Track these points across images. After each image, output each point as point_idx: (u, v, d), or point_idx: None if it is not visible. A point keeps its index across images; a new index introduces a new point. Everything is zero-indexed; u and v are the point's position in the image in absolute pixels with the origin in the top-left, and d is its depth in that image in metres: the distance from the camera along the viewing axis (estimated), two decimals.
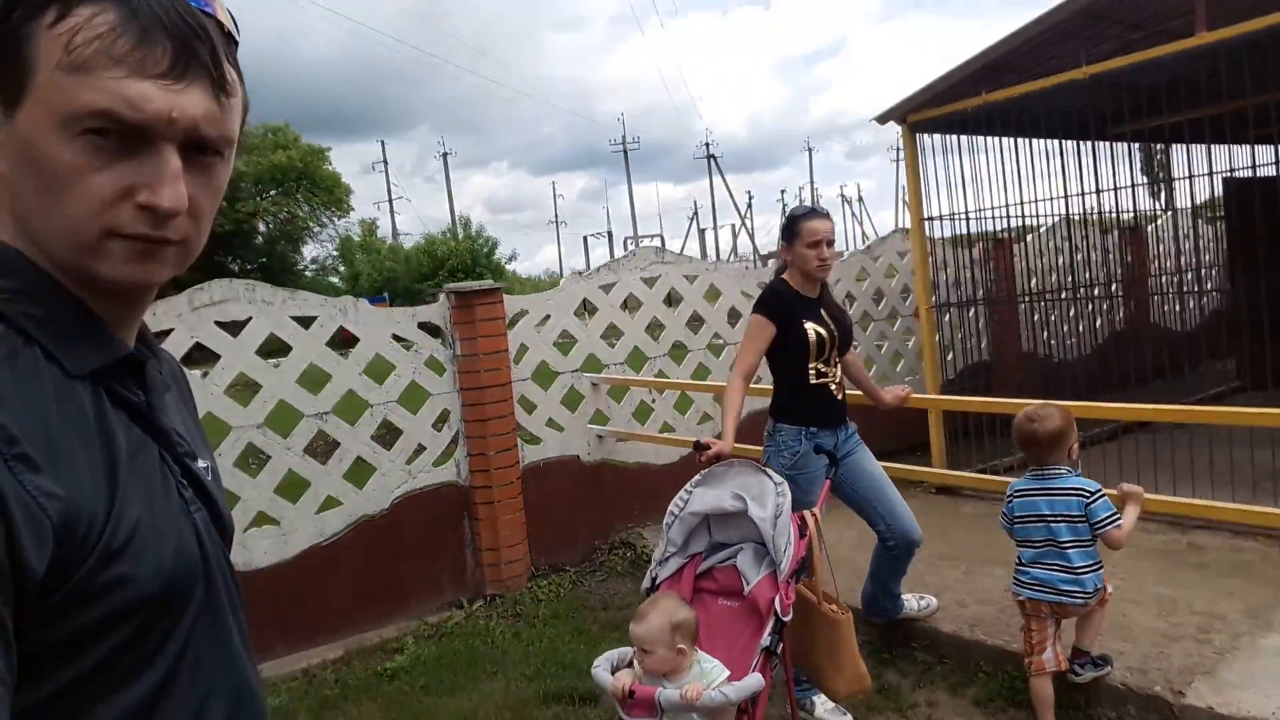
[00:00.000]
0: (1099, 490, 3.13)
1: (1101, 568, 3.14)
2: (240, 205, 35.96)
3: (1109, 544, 3.11)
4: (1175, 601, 3.81)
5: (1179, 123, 5.71)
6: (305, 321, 4.76)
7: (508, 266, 39.94)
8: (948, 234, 6.57)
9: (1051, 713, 3.15)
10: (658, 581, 2.95)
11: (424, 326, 5.23)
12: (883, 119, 6.27)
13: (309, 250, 44.12)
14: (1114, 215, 8.23)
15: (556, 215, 75.70)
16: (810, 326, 3.48)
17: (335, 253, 45.11)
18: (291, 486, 4.77)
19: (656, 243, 68.32)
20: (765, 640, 2.62)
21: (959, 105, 5.83)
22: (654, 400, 6.20)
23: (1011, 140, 6.56)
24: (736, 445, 3.40)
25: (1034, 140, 6.56)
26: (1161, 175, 10.70)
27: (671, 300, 6.28)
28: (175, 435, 0.93)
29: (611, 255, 71.54)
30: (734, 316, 6.56)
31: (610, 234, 75.37)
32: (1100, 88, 5.46)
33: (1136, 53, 4.96)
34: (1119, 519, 3.08)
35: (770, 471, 2.97)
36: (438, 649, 4.68)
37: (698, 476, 3.08)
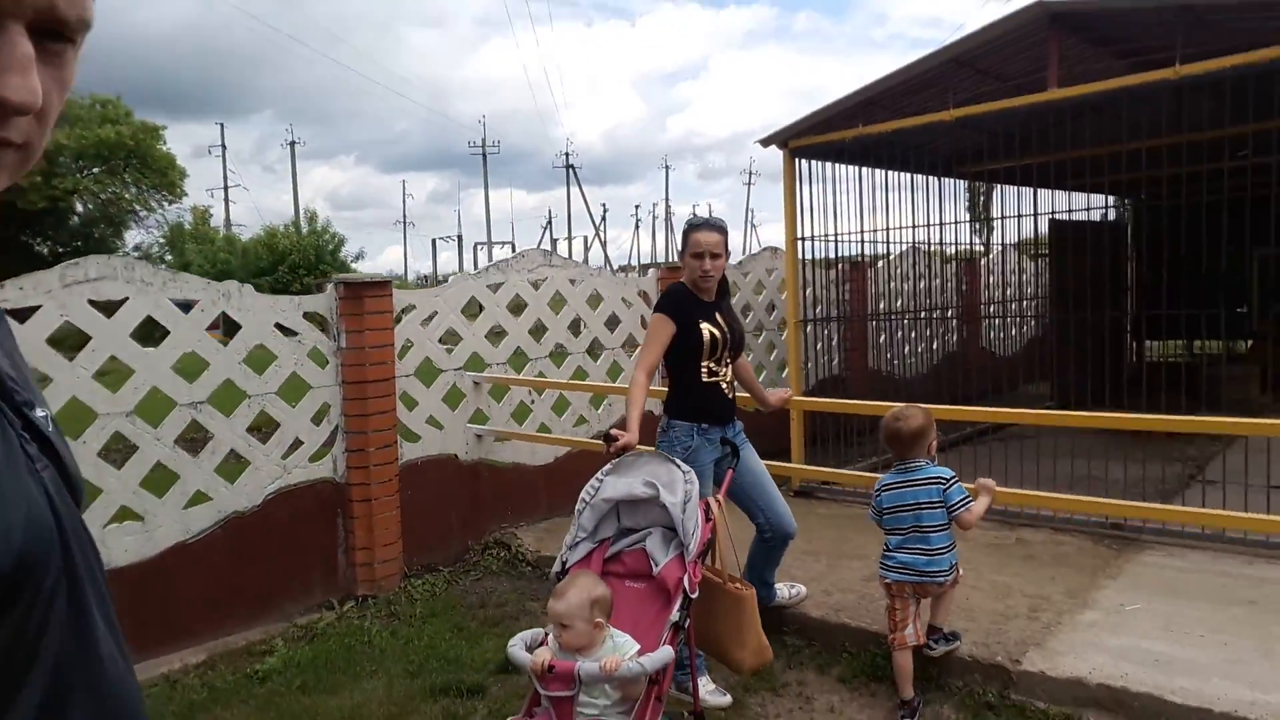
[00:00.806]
0: (953, 476, 3.54)
1: (955, 548, 3.54)
2: (57, 181, 33.02)
3: (961, 525, 3.51)
4: (1009, 587, 4.31)
5: (1024, 166, 6.41)
6: (185, 306, 4.61)
7: (353, 265, 38.60)
8: (812, 255, 7.05)
9: (910, 683, 3.51)
10: (567, 565, 3.10)
11: (309, 317, 5.15)
12: (766, 142, 6.67)
13: (132, 236, 41.01)
14: (955, 247, 9.04)
15: (405, 215, 73.92)
16: (705, 327, 3.72)
17: (162, 239, 42.20)
18: (158, 479, 4.59)
19: (507, 250, 68.11)
20: (674, 616, 2.82)
21: (837, 135, 6.31)
22: (533, 401, 6.32)
23: (873, 171, 7.16)
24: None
25: (897, 173, 7.17)
26: (982, 214, 11.77)
27: (555, 303, 6.43)
28: (9, 380, 0.74)
29: (461, 259, 70.69)
30: (613, 322, 6.78)
31: (460, 238, 74.44)
32: (961, 130, 6.06)
33: (995, 101, 5.56)
34: (971, 501, 3.49)
35: (678, 461, 3.19)
36: (311, 650, 4.61)
37: (608, 466, 3.25)
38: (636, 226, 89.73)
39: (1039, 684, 3.43)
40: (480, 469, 6.00)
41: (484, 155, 67.65)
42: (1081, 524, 5.14)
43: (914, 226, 7.63)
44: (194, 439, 4.84)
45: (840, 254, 7.42)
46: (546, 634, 2.89)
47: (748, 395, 4.35)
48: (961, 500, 3.48)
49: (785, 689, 3.82)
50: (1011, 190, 9.27)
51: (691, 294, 3.79)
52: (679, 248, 3.98)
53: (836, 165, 6.98)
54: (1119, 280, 10.17)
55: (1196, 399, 7.98)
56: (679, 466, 3.16)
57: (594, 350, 6.71)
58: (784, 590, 4.27)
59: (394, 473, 5.41)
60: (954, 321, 9.80)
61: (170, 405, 4.61)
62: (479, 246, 68.61)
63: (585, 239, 69.38)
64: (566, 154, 69.03)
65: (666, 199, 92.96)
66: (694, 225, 3.87)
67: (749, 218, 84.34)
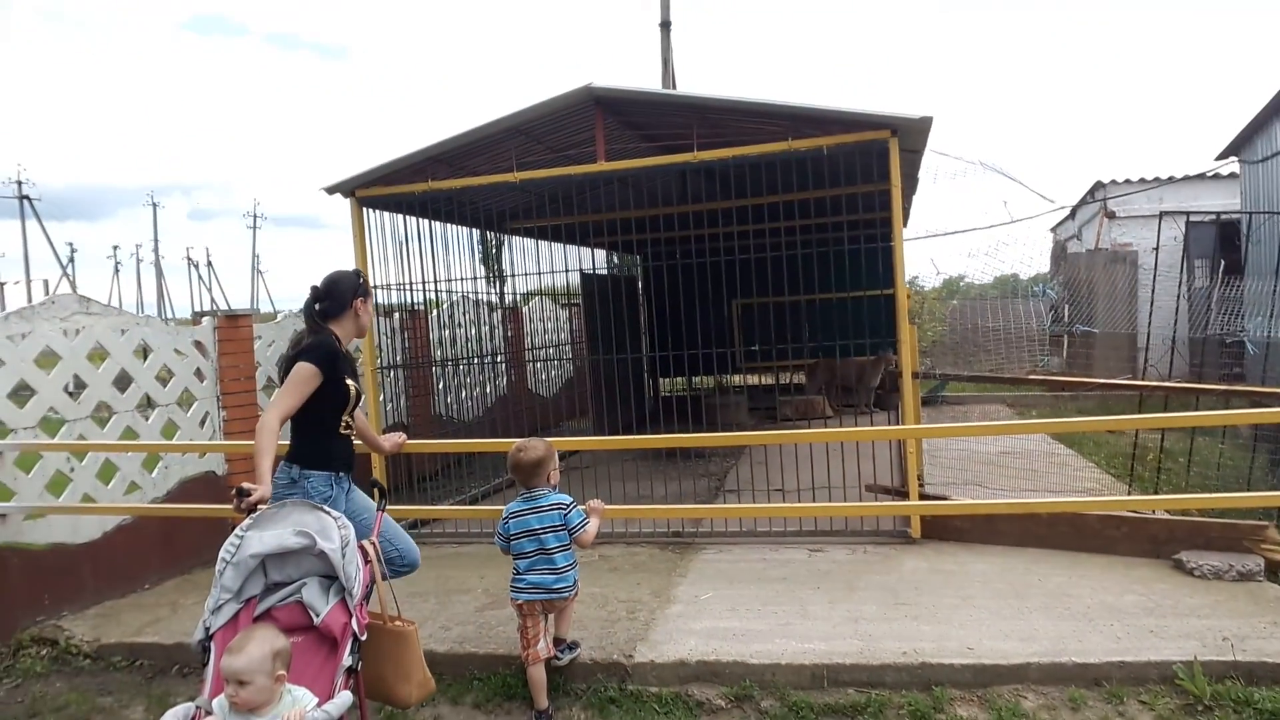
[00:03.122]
0: (572, 501, 3.94)
1: (577, 565, 3.95)
2: None
3: (580, 544, 3.92)
4: (606, 596, 4.86)
5: (565, 224, 7.21)
6: None
7: None
8: (383, 303, 7.12)
9: (545, 693, 3.82)
10: (212, 631, 2.86)
11: None
12: (331, 190, 6.60)
13: None
14: (501, 296, 9.73)
15: None
16: (350, 383, 3.69)
17: None
18: None
19: None
20: (347, 660, 2.78)
21: (407, 188, 6.49)
22: (73, 469, 5.46)
23: (433, 224, 7.48)
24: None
25: (457, 227, 7.56)
26: (496, 268, 12.81)
27: (96, 356, 5.64)
28: None
29: None
30: (166, 376, 6.12)
31: None
32: (511, 190, 6.65)
33: (549, 168, 6.24)
34: (588, 523, 3.92)
35: (325, 508, 3.13)
36: None
37: (247, 520, 3.06)
38: (117, 270, 78.40)
39: (650, 671, 3.97)
40: (6, 555, 5.01)
41: None
42: (649, 535, 5.95)
43: (474, 278, 8.11)
44: None
45: (398, 303, 7.59)
46: (199, 708, 2.66)
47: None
48: (580, 522, 3.90)
49: None
50: (544, 245, 10.30)
51: (342, 349, 3.72)
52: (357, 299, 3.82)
53: (396, 216, 7.17)
54: (637, 327, 11.77)
55: (701, 423, 9.60)
56: (328, 513, 3.11)
57: (144, 408, 5.99)
58: None
59: None
60: (503, 366, 10.48)
61: None
62: None
63: (46, 283, 58.66)
64: (19, 183, 57.98)
65: (156, 239, 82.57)
66: (364, 279, 3.90)
67: (255, 264, 79.10)
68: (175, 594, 5.59)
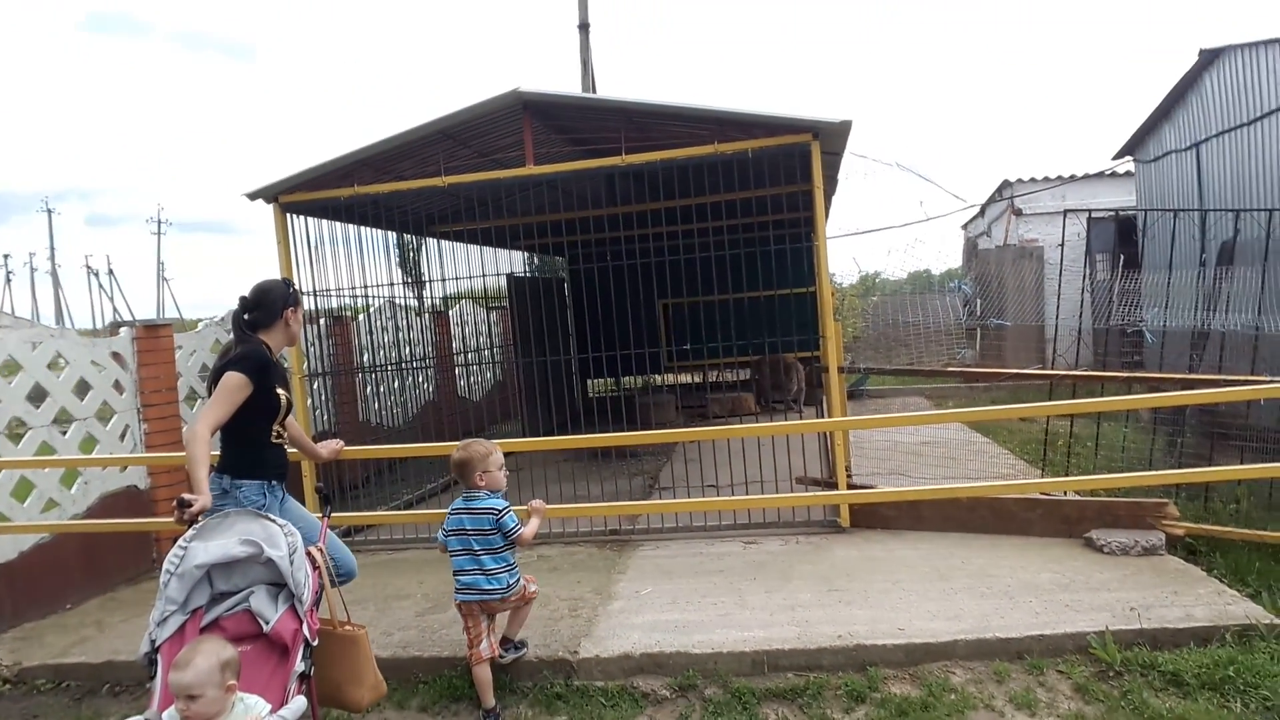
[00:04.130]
0: (505, 507, 3.94)
1: (516, 569, 3.97)
2: None
3: (519, 543, 3.95)
4: (547, 595, 4.90)
5: (492, 227, 7.22)
6: None
7: None
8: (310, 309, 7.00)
9: (490, 691, 3.85)
10: (158, 644, 2.83)
11: None
12: (254, 196, 6.47)
13: None
14: (422, 301, 9.66)
15: None
16: (281, 392, 3.66)
17: None
18: None
19: None
20: (299, 666, 2.79)
21: (333, 192, 6.41)
22: None
23: (359, 229, 7.39)
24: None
25: (384, 232, 7.49)
26: (414, 272, 12.71)
27: (8, 370, 5.43)
28: None
29: None
30: (83, 389, 5.93)
31: None
32: (439, 194, 6.63)
33: (475, 173, 6.24)
34: (523, 526, 3.95)
35: (270, 516, 3.11)
36: None
37: (191, 531, 3.03)
38: (9, 280, 74.04)
39: (596, 666, 4.04)
40: None
41: None
42: (586, 535, 6.01)
43: (399, 283, 8.05)
44: None
45: (323, 309, 7.48)
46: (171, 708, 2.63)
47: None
48: (515, 527, 3.91)
49: None
50: (473, 248, 10.25)
51: (272, 358, 3.69)
52: (288, 309, 3.79)
53: (321, 221, 7.07)
54: (565, 329, 11.81)
55: (633, 423, 9.70)
56: (274, 521, 3.10)
57: (61, 422, 5.79)
58: None
59: None
60: (430, 371, 10.40)
61: None
62: None
63: None
64: None
65: (51, 248, 78.07)
66: (296, 290, 3.93)
67: (160, 271, 76.01)
68: (100, 613, 5.43)
